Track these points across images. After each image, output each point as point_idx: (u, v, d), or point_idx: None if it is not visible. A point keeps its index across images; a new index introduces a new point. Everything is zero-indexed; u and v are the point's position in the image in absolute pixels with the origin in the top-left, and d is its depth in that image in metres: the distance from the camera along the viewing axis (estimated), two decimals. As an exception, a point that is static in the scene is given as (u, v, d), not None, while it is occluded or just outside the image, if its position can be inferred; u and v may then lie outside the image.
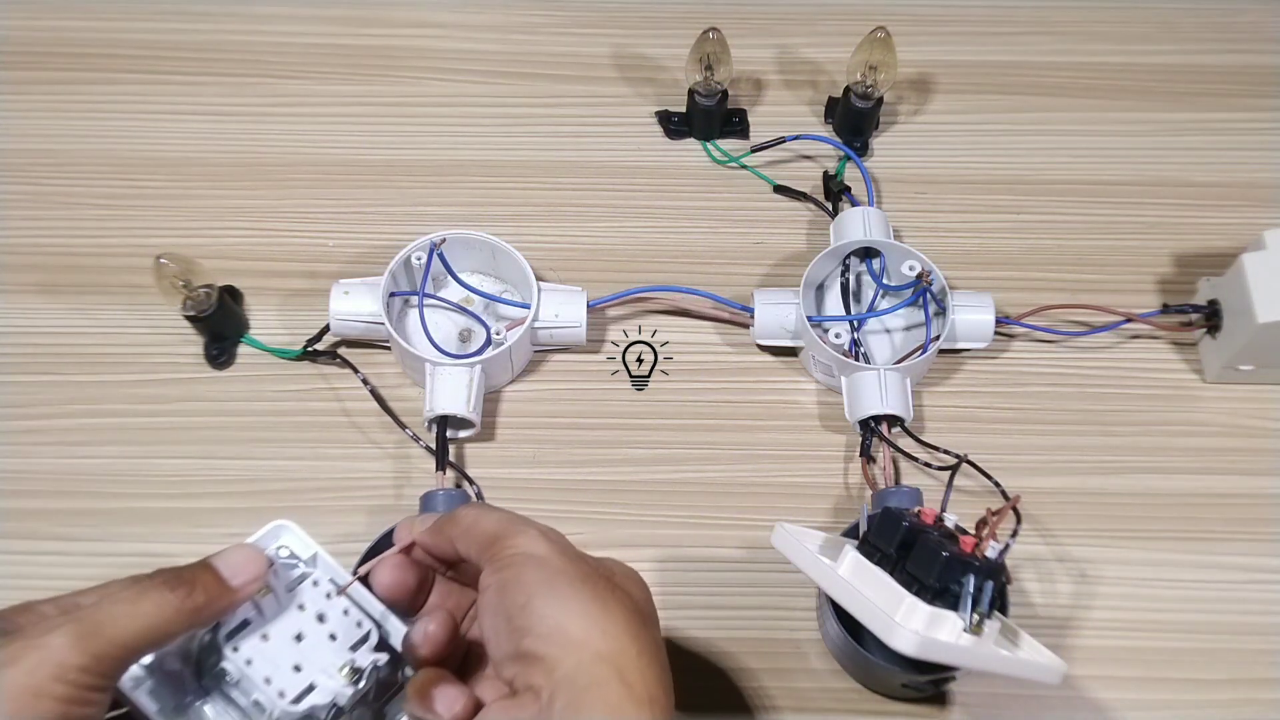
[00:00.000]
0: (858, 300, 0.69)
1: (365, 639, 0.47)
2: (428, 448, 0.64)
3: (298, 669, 0.46)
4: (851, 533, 0.58)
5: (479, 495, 0.63)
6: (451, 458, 0.64)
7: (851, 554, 0.53)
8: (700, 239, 0.73)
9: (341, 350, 0.67)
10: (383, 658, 0.47)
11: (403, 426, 0.65)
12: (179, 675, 0.48)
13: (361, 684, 0.46)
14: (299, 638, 0.47)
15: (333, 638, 0.47)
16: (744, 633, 0.61)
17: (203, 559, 0.46)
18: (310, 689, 0.46)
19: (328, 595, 0.48)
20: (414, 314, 0.66)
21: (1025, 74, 0.80)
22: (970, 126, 0.78)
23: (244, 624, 0.47)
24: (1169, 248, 0.73)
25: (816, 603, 0.61)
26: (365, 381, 0.65)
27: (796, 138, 0.75)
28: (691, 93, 0.74)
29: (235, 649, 0.46)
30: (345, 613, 0.47)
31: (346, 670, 0.46)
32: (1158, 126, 0.78)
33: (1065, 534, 0.63)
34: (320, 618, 0.47)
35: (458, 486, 0.64)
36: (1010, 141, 0.77)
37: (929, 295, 0.66)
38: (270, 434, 0.66)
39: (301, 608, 0.47)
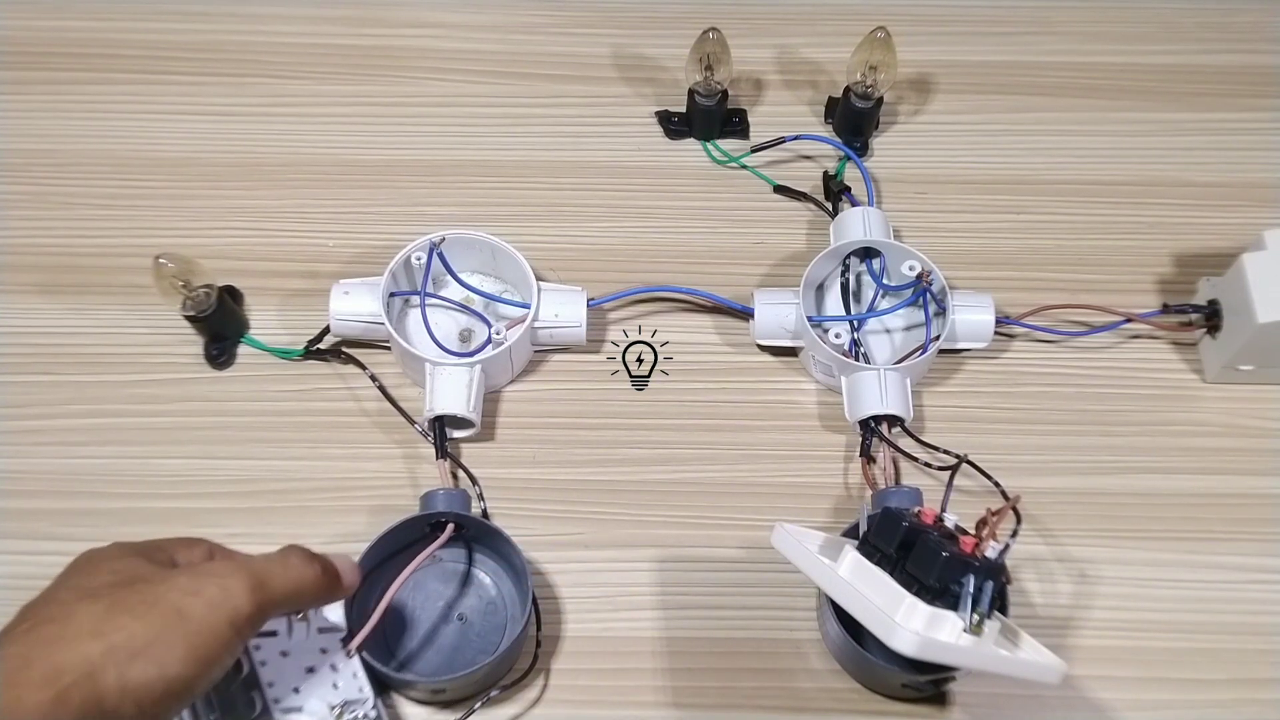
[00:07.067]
0: (858, 300, 0.69)
1: (361, 703, 0.52)
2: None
3: (297, 691, 0.51)
4: (851, 533, 0.58)
5: (480, 496, 0.63)
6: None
7: (851, 554, 0.53)
8: (700, 239, 0.73)
9: (344, 348, 0.67)
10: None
11: (412, 421, 0.64)
12: None
13: None
14: (310, 670, 0.52)
15: (335, 687, 0.52)
16: (744, 633, 0.61)
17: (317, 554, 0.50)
18: (300, 710, 0.51)
19: (348, 653, 0.53)
20: (414, 314, 0.66)
21: (1025, 74, 0.80)
22: (970, 126, 0.78)
23: (272, 633, 0.50)
24: (1169, 248, 0.73)
25: (816, 603, 0.61)
26: (374, 379, 0.65)
27: (796, 138, 0.76)
28: (691, 93, 0.74)
29: (258, 647, 0.50)
30: (354, 675, 0.53)
31: (337, 713, 0.51)
32: (1158, 126, 0.78)
33: (1065, 534, 0.63)
34: (334, 667, 0.53)
35: (453, 478, 0.64)
36: (1010, 141, 0.77)
37: (929, 295, 0.66)
38: (270, 434, 0.66)
39: (324, 650, 0.53)
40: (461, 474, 0.64)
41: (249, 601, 0.44)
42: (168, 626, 0.42)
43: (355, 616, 0.54)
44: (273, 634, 0.52)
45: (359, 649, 0.53)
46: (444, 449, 0.63)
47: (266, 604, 0.45)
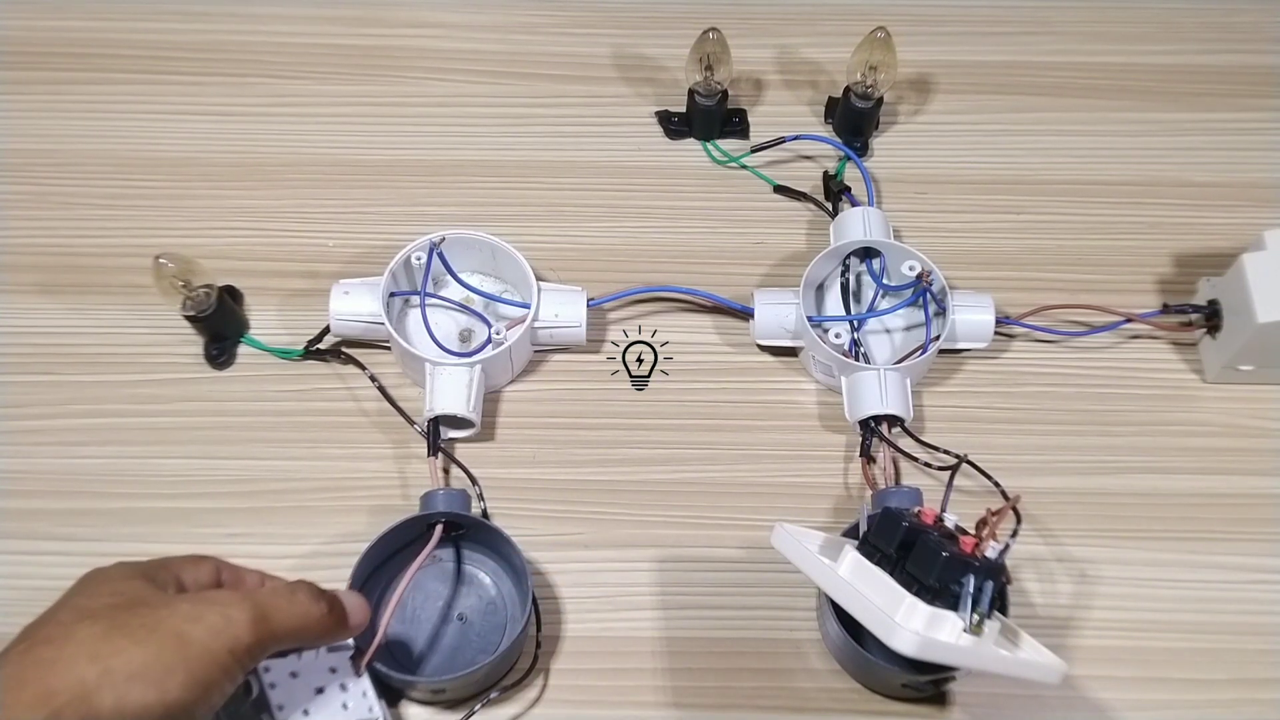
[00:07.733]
0: (858, 300, 0.69)
1: None
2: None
3: (306, 713, 0.51)
4: (851, 533, 0.58)
5: (480, 496, 0.63)
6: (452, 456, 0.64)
7: (851, 554, 0.53)
8: (700, 239, 0.73)
9: (344, 348, 0.67)
10: None
11: (411, 422, 0.64)
12: None
13: None
14: (320, 691, 0.52)
15: (345, 707, 0.52)
16: (744, 633, 0.61)
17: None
18: None
19: (358, 672, 0.53)
20: (414, 314, 0.66)
21: (1025, 74, 0.80)
22: (970, 126, 0.78)
23: (281, 654, 0.51)
24: (1169, 248, 0.73)
25: (816, 603, 0.61)
26: (373, 379, 0.65)
27: (796, 138, 0.75)
28: (691, 93, 0.74)
29: (267, 669, 0.50)
30: (364, 694, 0.53)
31: None
32: (1158, 126, 0.78)
33: (1065, 534, 0.63)
34: (344, 686, 0.53)
35: (444, 474, 0.64)
36: (1010, 141, 0.77)
37: (929, 295, 0.66)
38: (270, 434, 0.66)
39: (333, 670, 0.53)
40: (461, 474, 0.64)
41: (250, 632, 0.44)
42: (167, 651, 0.42)
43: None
44: (282, 654, 0.52)
45: (368, 666, 0.53)
46: (436, 446, 0.63)
47: (268, 637, 0.45)
